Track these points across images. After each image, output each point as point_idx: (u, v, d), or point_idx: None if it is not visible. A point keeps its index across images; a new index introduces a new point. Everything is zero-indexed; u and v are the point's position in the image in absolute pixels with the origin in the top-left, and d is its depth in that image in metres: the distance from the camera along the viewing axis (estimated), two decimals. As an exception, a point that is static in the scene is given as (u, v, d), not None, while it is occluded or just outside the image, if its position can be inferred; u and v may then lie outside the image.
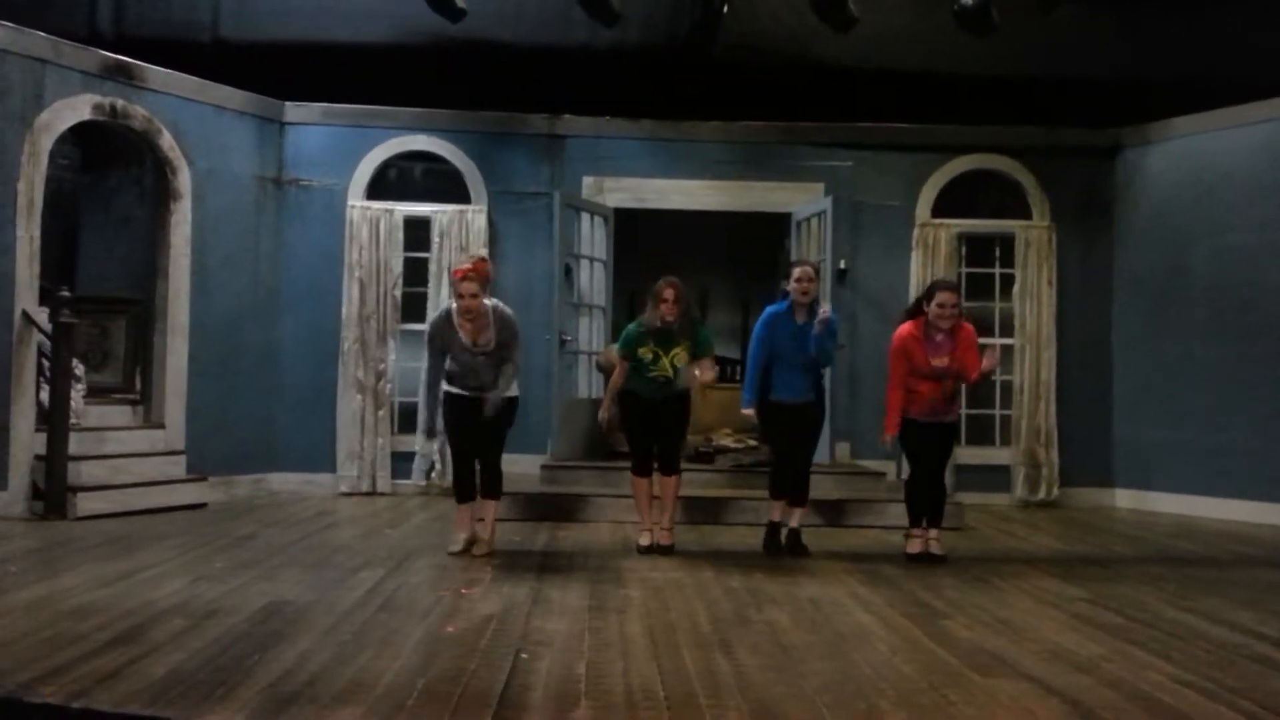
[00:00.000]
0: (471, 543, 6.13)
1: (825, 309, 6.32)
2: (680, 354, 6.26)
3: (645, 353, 6.24)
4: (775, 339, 6.28)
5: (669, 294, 6.19)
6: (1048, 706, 3.45)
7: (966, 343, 6.23)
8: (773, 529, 6.42)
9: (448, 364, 6.04)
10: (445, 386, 6.09)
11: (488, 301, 6.01)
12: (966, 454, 9.31)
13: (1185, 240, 9.00)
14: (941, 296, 6.15)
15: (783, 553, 6.31)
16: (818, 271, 6.48)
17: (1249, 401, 8.51)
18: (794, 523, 6.43)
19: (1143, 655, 4.11)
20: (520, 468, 8.83)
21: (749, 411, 6.42)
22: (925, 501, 6.29)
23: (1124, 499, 9.27)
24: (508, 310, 6.11)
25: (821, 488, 7.95)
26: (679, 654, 3.99)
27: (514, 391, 6.16)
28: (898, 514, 7.61)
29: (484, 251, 6.39)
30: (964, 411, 9.40)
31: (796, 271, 6.31)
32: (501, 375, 6.03)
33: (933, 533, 6.32)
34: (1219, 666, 3.97)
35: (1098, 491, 9.32)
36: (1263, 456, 8.39)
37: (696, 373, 6.32)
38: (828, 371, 8.63)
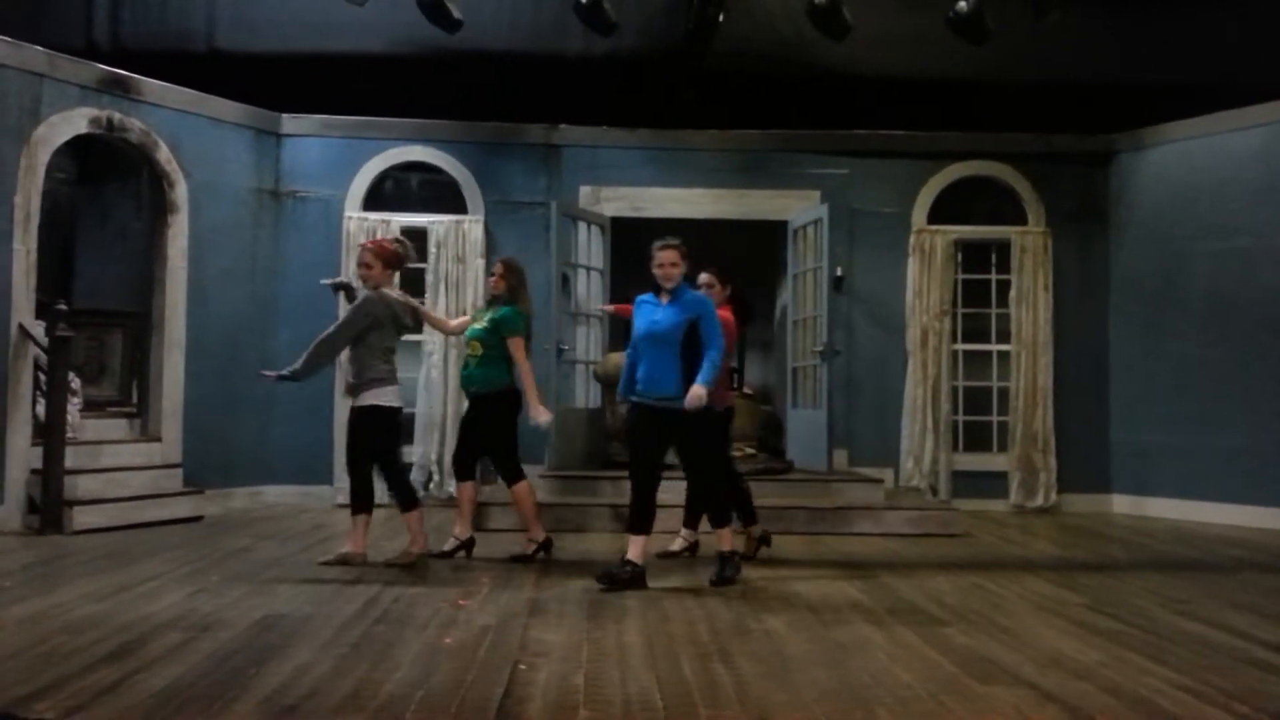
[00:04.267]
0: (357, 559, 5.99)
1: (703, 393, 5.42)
2: (480, 321, 6.22)
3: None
4: (637, 319, 5.68)
5: (495, 269, 6.36)
6: (1046, 713, 3.45)
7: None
8: (724, 559, 5.63)
9: None
10: None
11: (386, 290, 5.97)
12: (963, 460, 9.35)
13: (1181, 245, 9.02)
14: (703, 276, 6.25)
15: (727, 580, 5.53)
16: (684, 254, 5.66)
17: (1246, 406, 8.52)
18: (724, 546, 5.65)
19: (1141, 661, 4.11)
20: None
21: (623, 408, 5.87)
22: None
23: (1121, 504, 9.27)
24: (372, 294, 5.91)
25: (819, 495, 7.98)
26: (677, 663, 3.99)
27: (366, 398, 5.83)
28: (896, 521, 7.66)
29: (401, 237, 6.28)
30: (961, 418, 9.45)
31: (658, 256, 5.61)
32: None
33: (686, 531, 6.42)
34: (1217, 671, 3.97)
35: (1095, 497, 9.32)
36: (1260, 461, 8.40)
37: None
38: (821, 377, 8.73)
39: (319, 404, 9.01)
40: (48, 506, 7.03)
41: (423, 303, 6.55)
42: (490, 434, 6.22)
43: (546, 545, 6.28)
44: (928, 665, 4.01)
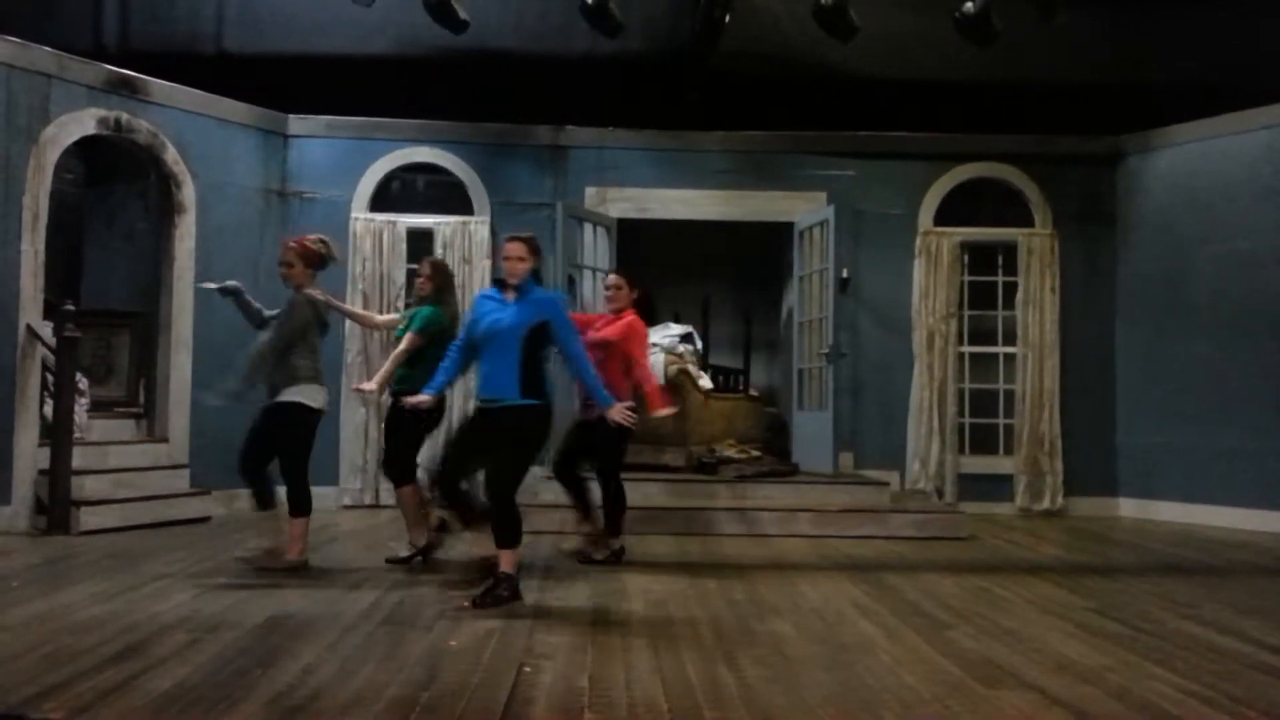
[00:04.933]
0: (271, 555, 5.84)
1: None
2: (405, 322, 6.19)
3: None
4: (476, 318, 5.23)
5: (422, 269, 6.33)
6: (1052, 717, 3.44)
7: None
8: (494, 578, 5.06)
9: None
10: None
11: (309, 291, 5.87)
12: (969, 462, 9.33)
13: (1187, 247, 9.00)
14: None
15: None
16: (534, 249, 5.27)
17: (1253, 408, 8.50)
18: (504, 566, 5.05)
19: (1148, 665, 4.10)
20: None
21: (418, 400, 5.36)
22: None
23: (1128, 507, 9.25)
24: (299, 296, 5.81)
25: (825, 497, 7.97)
26: (682, 665, 3.98)
27: (289, 394, 5.73)
28: (902, 523, 7.65)
29: (325, 237, 6.11)
30: (967, 420, 9.43)
31: (505, 248, 5.26)
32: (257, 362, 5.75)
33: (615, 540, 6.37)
34: (1224, 676, 3.96)
35: (1101, 500, 9.30)
36: (1267, 464, 8.37)
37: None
38: (827, 379, 8.72)
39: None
40: (55, 507, 7.05)
41: (409, 303, 6.49)
42: (408, 432, 6.11)
43: (426, 550, 6.15)
44: (933, 668, 4.00)
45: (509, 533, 5.07)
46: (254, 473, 5.84)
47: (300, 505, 5.83)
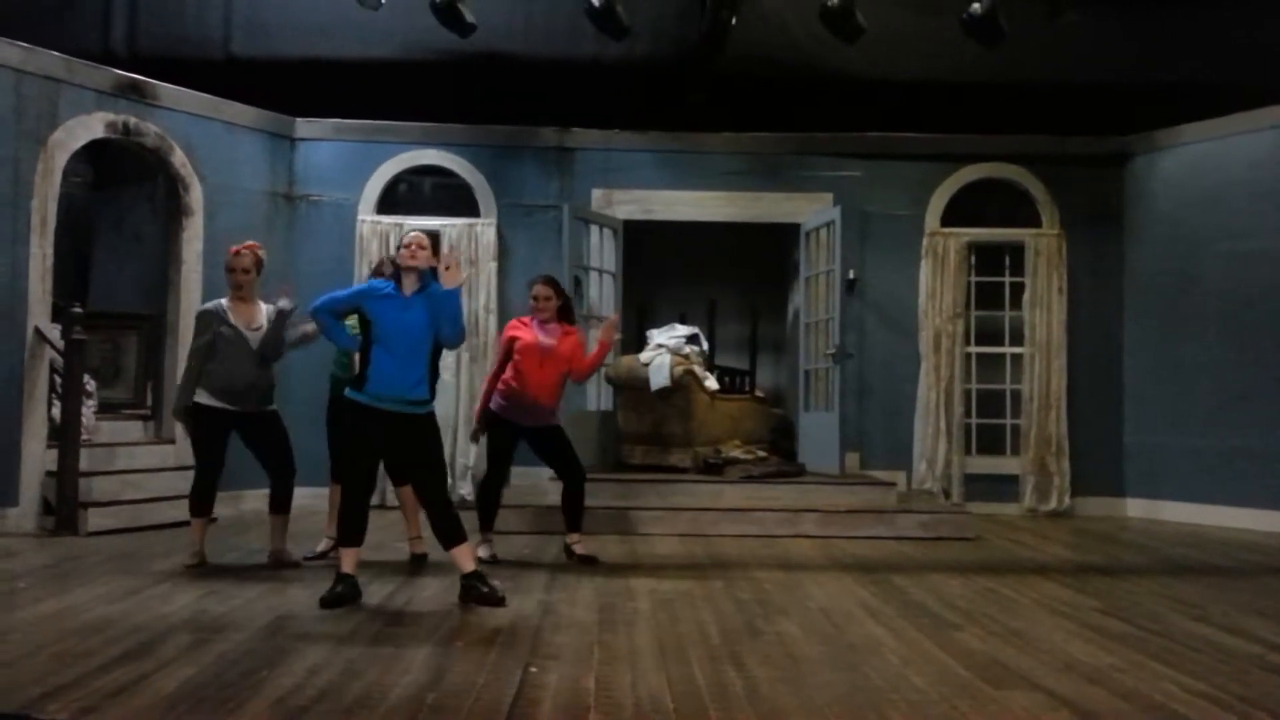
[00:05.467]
0: (202, 560, 5.90)
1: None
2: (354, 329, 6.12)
3: None
4: (377, 312, 5.03)
5: (385, 268, 6.21)
6: (1059, 718, 3.43)
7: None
8: (341, 582, 5.02)
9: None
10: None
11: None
12: (976, 463, 9.32)
13: (1195, 247, 8.97)
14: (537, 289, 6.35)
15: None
16: (434, 240, 5.16)
17: (1261, 409, 8.46)
18: (468, 566, 5.05)
19: (1156, 666, 4.08)
20: (529, 480, 8.86)
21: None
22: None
23: (1135, 508, 9.22)
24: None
25: (831, 497, 7.96)
26: (688, 666, 3.98)
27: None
28: (908, 524, 7.64)
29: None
30: (974, 421, 9.41)
31: (407, 237, 5.20)
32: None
33: (574, 536, 6.39)
34: (1232, 677, 3.94)
35: (1108, 500, 9.28)
36: (1274, 464, 8.34)
37: None
38: (834, 380, 8.72)
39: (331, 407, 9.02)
40: (62, 508, 7.07)
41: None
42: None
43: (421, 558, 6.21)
44: (940, 669, 4.00)
45: (461, 530, 5.11)
46: (218, 476, 6.08)
47: (288, 502, 6.12)
